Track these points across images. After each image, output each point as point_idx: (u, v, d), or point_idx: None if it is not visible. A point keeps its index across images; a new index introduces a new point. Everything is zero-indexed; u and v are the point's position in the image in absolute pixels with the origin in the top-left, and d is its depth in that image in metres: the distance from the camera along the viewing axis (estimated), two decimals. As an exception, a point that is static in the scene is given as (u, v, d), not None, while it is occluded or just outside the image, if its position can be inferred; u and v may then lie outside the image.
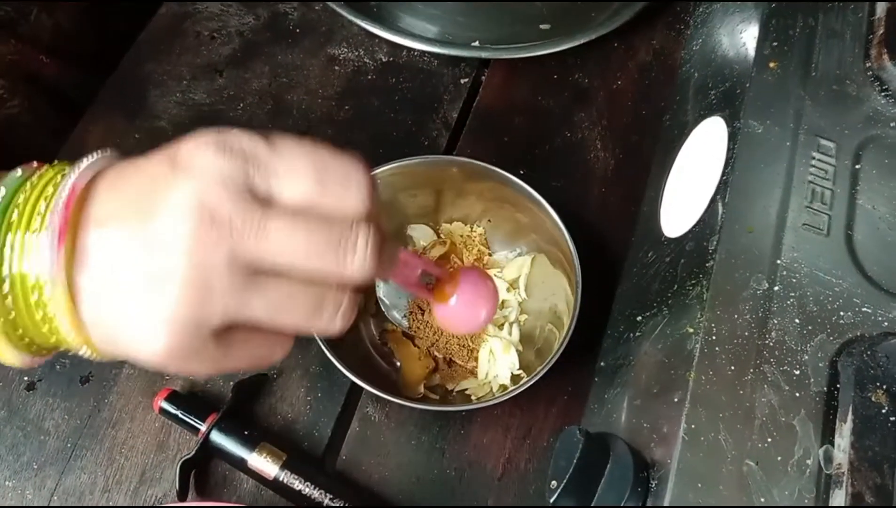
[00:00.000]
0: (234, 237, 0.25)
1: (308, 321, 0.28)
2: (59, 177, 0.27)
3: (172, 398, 0.47)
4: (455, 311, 0.36)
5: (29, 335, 0.27)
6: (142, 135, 0.60)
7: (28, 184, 0.27)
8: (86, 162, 0.28)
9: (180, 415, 0.46)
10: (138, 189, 0.27)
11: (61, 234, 0.26)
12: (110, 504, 0.46)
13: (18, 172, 0.28)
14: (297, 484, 0.44)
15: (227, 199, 0.26)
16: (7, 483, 0.46)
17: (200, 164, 0.26)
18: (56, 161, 0.29)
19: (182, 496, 0.45)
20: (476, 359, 0.51)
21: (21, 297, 0.26)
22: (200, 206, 0.25)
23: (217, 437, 0.46)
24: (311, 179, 0.27)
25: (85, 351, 0.28)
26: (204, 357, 0.27)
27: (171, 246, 0.25)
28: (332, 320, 0.29)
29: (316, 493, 0.44)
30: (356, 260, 0.27)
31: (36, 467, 0.47)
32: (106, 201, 0.27)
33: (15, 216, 0.26)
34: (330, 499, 0.44)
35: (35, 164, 0.29)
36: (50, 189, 0.27)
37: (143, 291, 0.26)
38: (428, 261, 0.36)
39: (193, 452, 0.45)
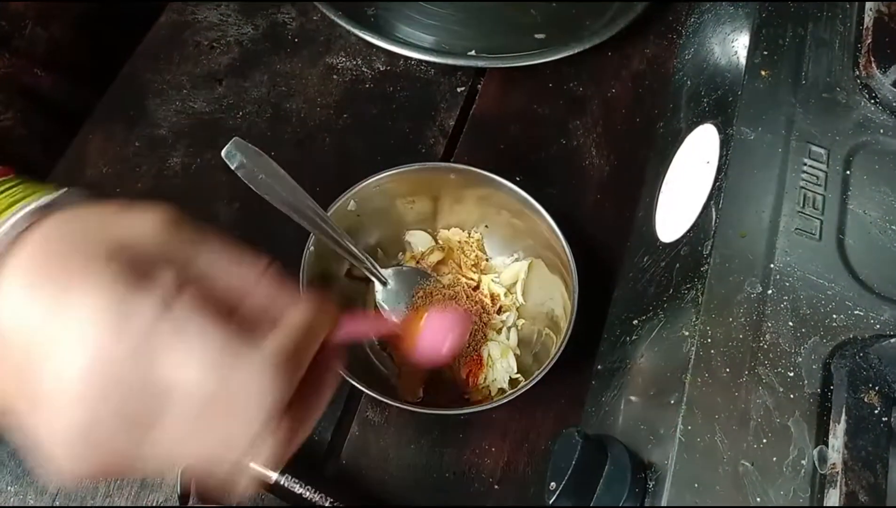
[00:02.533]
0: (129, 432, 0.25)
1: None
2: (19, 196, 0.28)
3: (174, 403, 0.47)
4: (421, 347, 0.38)
5: None
6: (142, 143, 0.61)
7: None
8: (37, 203, 0.28)
9: (181, 420, 0.47)
10: (52, 296, 0.25)
11: None
12: (111, 509, 0.46)
13: None
14: (298, 488, 0.45)
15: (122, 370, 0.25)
16: (9, 488, 0.46)
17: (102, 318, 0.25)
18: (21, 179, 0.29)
19: (183, 501, 0.45)
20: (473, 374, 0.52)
21: None
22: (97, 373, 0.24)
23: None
24: (210, 377, 0.25)
25: None
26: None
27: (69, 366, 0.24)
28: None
29: (316, 497, 0.44)
30: (261, 455, 0.27)
31: (38, 472, 0.47)
32: (26, 280, 0.26)
33: None
34: (330, 503, 0.44)
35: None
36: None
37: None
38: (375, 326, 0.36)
39: (195, 457, 0.45)
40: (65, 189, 0.30)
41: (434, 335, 0.38)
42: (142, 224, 0.27)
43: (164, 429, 0.25)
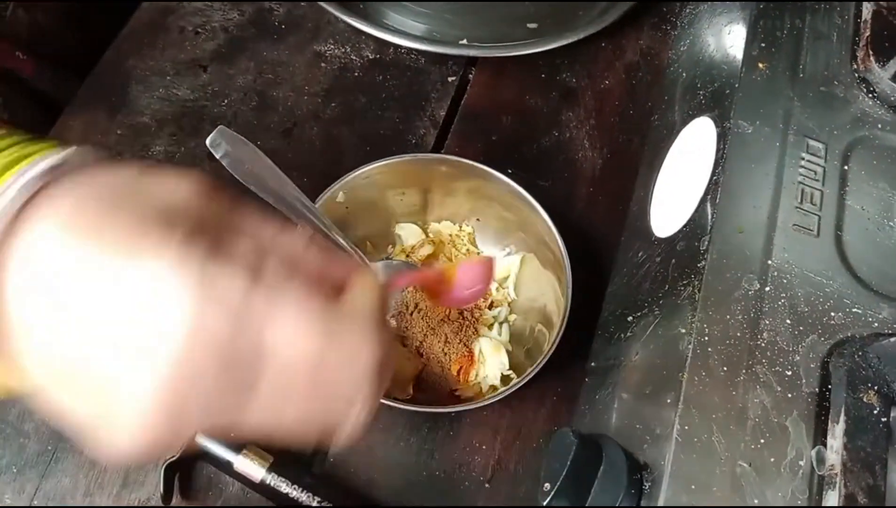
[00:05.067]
0: (221, 402, 0.23)
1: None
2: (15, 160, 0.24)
3: (156, 400, 0.46)
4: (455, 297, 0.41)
5: None
6: (124, 130, 0.59)
7: None
8: (48, 162, 0.25)
9: (164, 417, 0.45)
10: (115, 245, 0.23)
11: None
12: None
13: None
14: (284, 487, 0.44)
15: (218, 351, 0.23)
16: (-16, 488, 0.45)
17: (188, 287, 0.23)
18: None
19: (166, 499, 0.44)
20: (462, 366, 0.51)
21: None
22: (191, 344, 0.22)
23: (202, 439, 0.45)
24: (315, 344, 0.25)
25: None
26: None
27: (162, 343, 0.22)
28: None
29: (303, 496, 0.43)
30: (346, 429, 0.26)
31: (15, 470, 0.46)
32: (78, 235, 0.23)
33: None
34: (318, 502, 0.43)
35: None
36: None
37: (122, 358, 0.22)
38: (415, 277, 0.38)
39: (178, 454, 0.44)
40: (73, 147, 0.26)
41: (466, 283, 0.40)
42: (183, 190, 0.25)
43: (261, 399, 0.24)
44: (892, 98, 0.44)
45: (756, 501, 0.32)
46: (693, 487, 0.32)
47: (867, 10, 0.48)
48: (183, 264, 0.23)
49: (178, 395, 0.22)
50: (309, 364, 0.24)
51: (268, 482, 0.44)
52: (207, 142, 0.44)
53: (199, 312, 0.22)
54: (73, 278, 0.22)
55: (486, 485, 0.48)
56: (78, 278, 0.22)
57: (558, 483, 0.34)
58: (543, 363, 0.44)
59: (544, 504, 0.34)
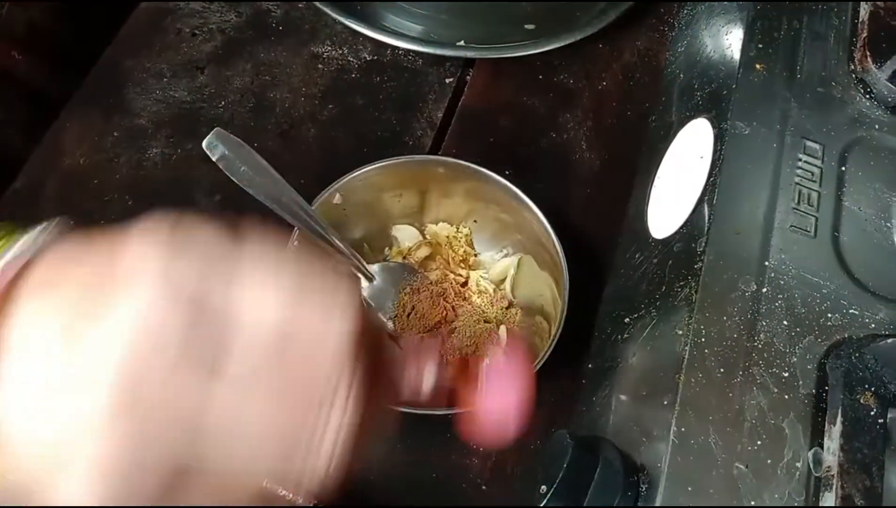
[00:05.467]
0: (175, 391, 0.21)
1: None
2: None
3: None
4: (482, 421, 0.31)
5: None
6: (120, 133, 0.59)
7: None
8: (21, 243, 0.23)
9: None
10: (72, 295, 0.22)
11: None
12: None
13: None
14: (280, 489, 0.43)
15: (171, 340, 0.21)
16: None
17: (144, 279, 0.21)
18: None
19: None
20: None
21: None
22: (137, 343, 0.21)
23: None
24: (283, 305, 0.23)
25: None
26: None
27: (97, 390, 0.20)
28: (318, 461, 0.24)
29: (298, 498, 0.43)
30: (332, 422, 0.23)
31: None
32: (35, 296, 0.22)
33: None
34: (314, 504, 0.43)
35: None
36: None
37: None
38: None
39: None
40: (37, 229, 0.25)
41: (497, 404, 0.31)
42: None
43: (227, 387, 0.22)
44: (890, 99, 0.44)
45: (753, 502, 0.32)
46: (690, 489, 0.32)
47: (864, 10, 0.48)
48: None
49: (130, 404, 0.21)
50: (277, 328, 0.22)
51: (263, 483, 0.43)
52: (204, 144, 0.44)
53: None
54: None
55: (483, 487, 0.48)
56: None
57: (555, 485, 0.34)
58: (540, 364, 0.44)
59: (541, 506, 0.34)
